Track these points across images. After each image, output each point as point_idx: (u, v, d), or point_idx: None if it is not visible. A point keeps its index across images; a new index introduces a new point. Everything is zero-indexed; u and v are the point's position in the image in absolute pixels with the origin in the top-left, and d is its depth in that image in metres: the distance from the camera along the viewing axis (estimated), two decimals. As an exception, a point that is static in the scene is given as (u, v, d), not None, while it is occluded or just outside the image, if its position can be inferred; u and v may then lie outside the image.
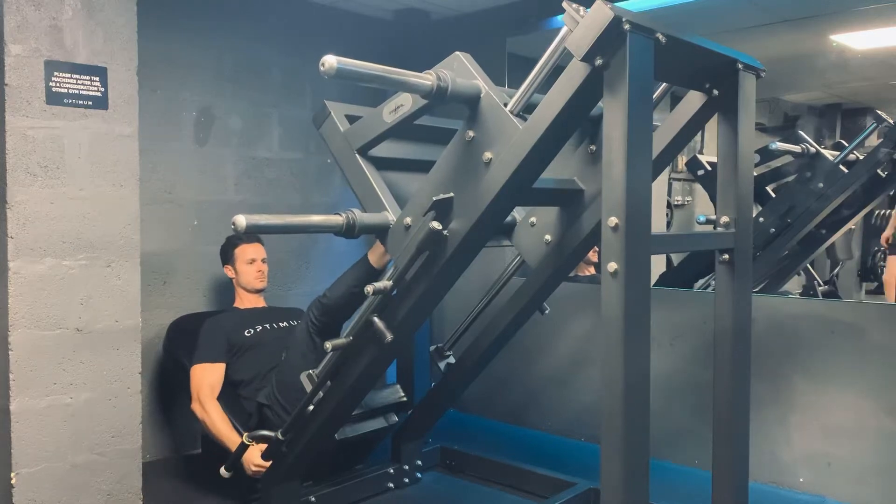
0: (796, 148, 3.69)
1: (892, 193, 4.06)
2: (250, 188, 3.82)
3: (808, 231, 3.73)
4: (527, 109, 1.90)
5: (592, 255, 3.92)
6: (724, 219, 2.03)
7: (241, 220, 1.87)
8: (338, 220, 2.11)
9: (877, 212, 4.50)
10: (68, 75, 2.43)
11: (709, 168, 3.95)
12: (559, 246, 2.28)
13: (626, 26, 1.53)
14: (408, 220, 2.12)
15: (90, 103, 2.49)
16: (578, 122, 1.94)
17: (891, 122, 3.67)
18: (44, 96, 2.39)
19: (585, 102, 1.74)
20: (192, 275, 3.62)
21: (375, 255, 2.66)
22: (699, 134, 4.92)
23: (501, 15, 3.93)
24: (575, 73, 1.69)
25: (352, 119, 2.33)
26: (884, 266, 4.51)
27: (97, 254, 2.54)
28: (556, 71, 1.80)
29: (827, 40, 4.21)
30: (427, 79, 1.90)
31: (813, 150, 3.67)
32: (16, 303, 2.38)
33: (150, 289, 3.38)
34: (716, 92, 2.01)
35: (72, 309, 2.49)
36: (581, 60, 1.62)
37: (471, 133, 1.96)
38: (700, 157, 4.09)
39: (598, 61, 1.59)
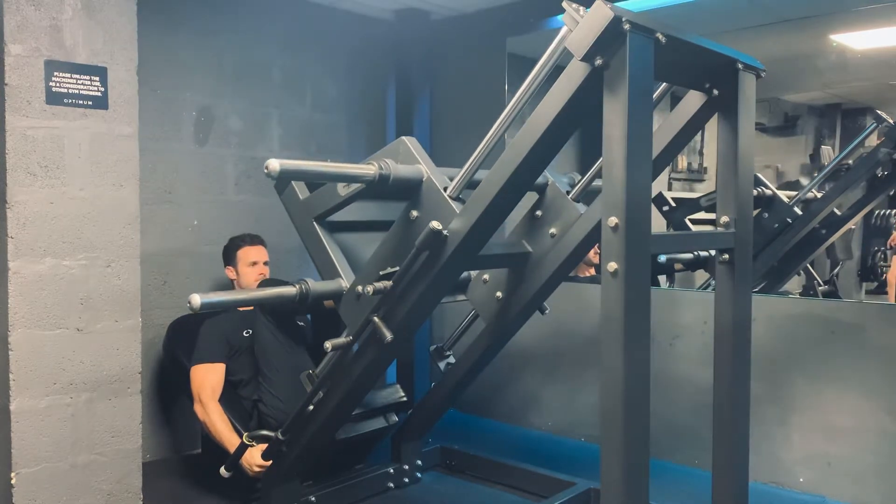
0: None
1: (892, 193, 4.06)
2: (250, 188, 3.82)
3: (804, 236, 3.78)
4: (470, 186, 2.07)
5: (593, 256, 3.92)
6: (724, 219, 2.02)
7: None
8: (291, 290, 2.31)
9: (877, 212, 4.50)
10: (68, 75, 2.43)
11: (673, 205, 4.09)
12: (509, 301, 2.53)
13: (626, 26, 1.53)
14: (359, 288, 2.26)
15: (90, 103, 2.49)
16: (573, 128, 1.95)
17: (891, 122, 3.67)
18: (44, 96, 2.39)
19: (585, 103, 1.74)
20: (192, 275, 3.62)
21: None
22: (699, 134, 4.93)
23: (501, 15, 3.93)
24: (575, 73, 1.69)
25: (312, 187, 2.47)
26: (884, 266, 4.51)
27: (97, 254, 2.54)
28: (557, 71, 1.81)
29: (827, 40, 4.21)
30: (370, 169, 2.07)
31: (769, 192, 3.75)
32: (16, 303, 2.38)
33: (150, 289, 3.39)
34: (716, 92, 2.01)
35: (72, 309, 2.49)
36: (581, 60, 1.62)
37: (415, 213, 2.15)
38: (666, 193, 4.18)
39: (598, 61, 1.59)
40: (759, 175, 3.87)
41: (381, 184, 2.08)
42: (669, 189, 5.49)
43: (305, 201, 2.45)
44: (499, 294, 2.55)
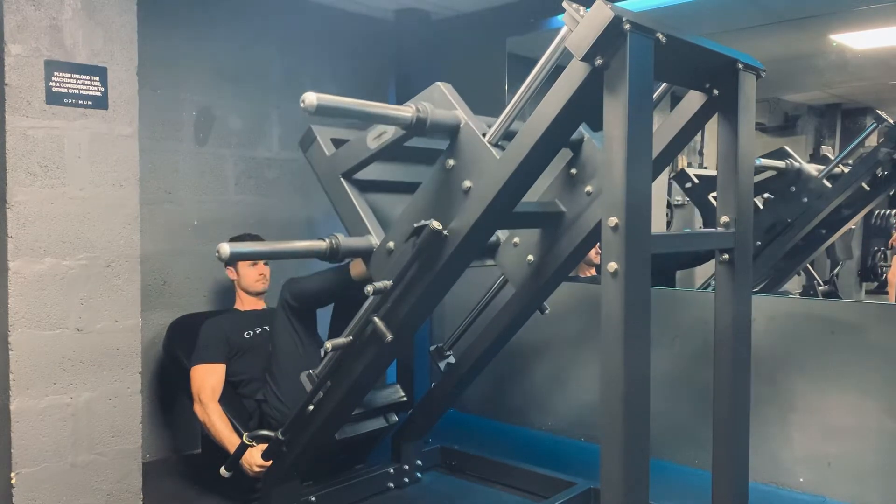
0: (780, 164, 3.73)
1: (892, 193, 4.06)
2: (250, 188, 3.82)
3: (799, 240, 3.78)
4: (506, 136, 1.96)
5: (594, 257, 3.92)
6: (724, 219, 2.03)
7: (225, 249, 1.93)
8: (321, 245, 2.19)
9: (877, 212, 4.50)
10: (68, 75, 2.43)
11: (696, 181, 4.06)
12: (541, 265, 2.38)
13: (627, 26, 1.53)
14: (390, 244, 2.19)
15: (90, 103, 2.49)
16: (573, 128, 1.95)
17: (891, 122, 3.67)
18: (44, 96, 2.39)
19: (585, 102, 1.74)
20: (192, 275, 3.62)
21: (357, 270, 2.70)
22: (699, 134, 4.93)
23: (501, 15, 3.93)
24: (575, 73, 1.69)
25: (338, 143, 2.38)
26: (884, 266, 4.51)
27: (97, 254, 2.54)
28: (557, 71, 1.81)
29: (827, 40, 4.21)
30: (407, 111, 1.95)
31: (797, 165, 3.71)
32: (16, 303, 2.38)
33: (150, 289, 3.39)
34: (716, 92, 2.01)
35: (72, 309, 2.49)
36: (581, 60, 1.62)
37: (451, 161, 2.03)
38: (687, 170, 4.15)
39: (598, 61, 1.59)
40: (787, 147, 3.87)
41: (418, 128, 1.96)
42: (669, 189, 5.49)
43: (332, 157, 2.35)
44: (530, 257, 2.39)
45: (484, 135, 1.99)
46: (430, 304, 2.35)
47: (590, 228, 2.27)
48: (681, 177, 4.13)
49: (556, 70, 1.81)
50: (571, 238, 2.30)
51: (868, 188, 3.72)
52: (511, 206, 2.05)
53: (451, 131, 2.02)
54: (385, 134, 2.16)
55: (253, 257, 2.21)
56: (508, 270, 2.50)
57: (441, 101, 2.04)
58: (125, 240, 2.60)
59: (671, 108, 2.29)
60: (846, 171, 3.75)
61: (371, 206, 2.35)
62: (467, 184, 2.00)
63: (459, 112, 2.03)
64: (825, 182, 3.69)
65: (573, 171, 2.31)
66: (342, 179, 2.33)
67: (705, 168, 5.11)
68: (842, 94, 5.26)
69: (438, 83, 2.10)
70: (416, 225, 2.05)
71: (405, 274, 2.14)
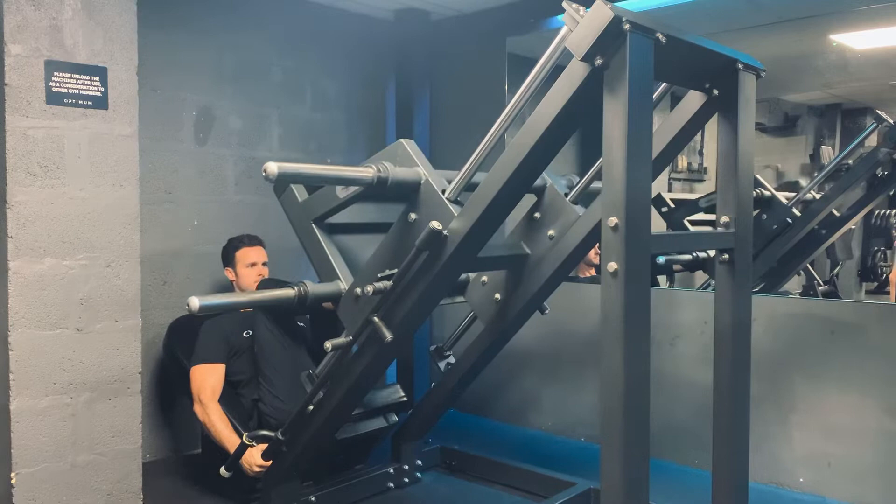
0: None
1: (892, 193, 4.06)
2: (250, 188, 3.82)
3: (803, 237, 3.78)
4: (468, 188, 2.09)
5: (594, 257, 3.92)
6: (724, 219, 2.02)
7: (195, 303, 2.09)
8: (290, 293, 2.31)
9: (877, 212, 4.50)
10: (68, 75, 2.43)
11: (672, 206, 4.06)
12: (508, 303, 2.53)
13: (626, 26, 1.53)
14: (357, 290, 2.26)
15: (90, 103, 2.49)
16: (573, 128, 1.95)
17: (891, 122, 3.67)
18: (44, 96, 2.39)
19: (585, 102, 1.74)
20: (192, 275, 3.61)
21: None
22: (699, 134, 4.93)
23: (501, 15, 3.93)
24: (575, 73, 1.69)
25: (311, 189, 2.46)
26: (884, 266, 4.51)
27: (97, 254, 2.54)
28: (557, 71, 1.81)
29: (827, 40, 4.21)
30: (367, 173, 2.08)
31: (767, 193, 3.74)
32: (16, 303, 2.38)
33: (150, 289, 3.39)
34: (716, 92, 2.01)
35: (72, 309, 2.49)
36: (581, 60, 1.62)
37: (413, 215, 2.14)
38: (664, 195, 4.17)
39: (598, 61, 1.59)
40: (758, 176, 3.88)
41: (380, 186, 2.09)
42: (670, 189, 5.49)
43: (304, 203, 2.45)
44: (497, 296, 2.56)
45: (443, 191, 2.11)
46: (432, 301, 2.38)
47: (553, 269, 2.41)
48: (657, 202, 4.10)
49: (556, 70, 1.81)
50: (537, 278, 2.45)
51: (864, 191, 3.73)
52: (475, 252, 2.16)
53: (413, 188, 2.14)
54: (351, 188, 2.27)
55: (224, 309, 2.35)
56: (477, 307, 2.65)
57: (404, 158, 2.17)
58: (125, 240, 2.60)
59: (671, 108, 2.29)
60: (818, 197, 3.80)
61: (343, 248, 2.46)
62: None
63: (420, 169, 2.14)
64: (794, 210, 3.73)
65: (536, 214, 2.46)
66: (313, 225, 2.42)
67: (703, 180, 5.12)
68: (842, 94, 5.26)
69: (402, 140, 2.23)
70: (379, 275, 2.18)
71: (404, 276, 2.15)
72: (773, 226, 3.72)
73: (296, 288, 2.31)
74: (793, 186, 4.51)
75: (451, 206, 2.08)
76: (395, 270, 2.15)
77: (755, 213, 3.73)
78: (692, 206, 4.13)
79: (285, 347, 2.97)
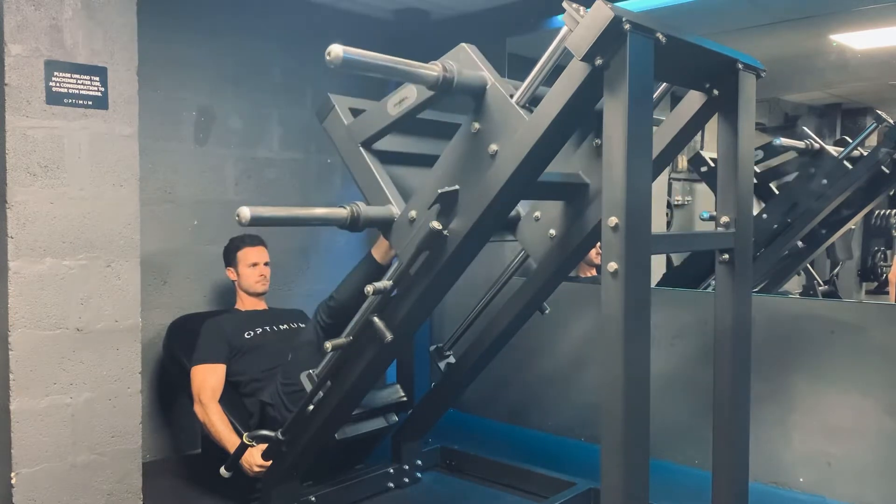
0: (800, 144, 3.70)
1: (892, 193, 4.06)
2: (250, 188, 3.82)
3: (810, 229, 3.75)
4: (533, 101, 1.89)
5: (594, 257, 3.92)
6: (724, 219, 2.02)
7: (246, 212, 1.89)
8: (342, 212, 2.10)
9: (877, 212, 4.50)
10: (68, 75, 2.43)
11: (712, 165, 3.95)
12: (563, 240, 2.26)
13: (627, 26, 1.53)
14: (412, 213, 2.11)
15: (90, 103, 2.49)
16: (581, 119, 1.93)
17: (891, 122, 3.67)
18: (44, 96, 2.39)
19: (586, 101, 1.74)
20: (192, 275, 3.62)
21: (380, 252, 2.64)
22: (699, 133, 4.93)
23: (501, 15, 3.92)
24: (575, 73, 1.69)
25: (356, 112, 2.30)
26: (884, 266, 4.52)
27: (97, 254, 2.54)
28: (557, 71, 1.80)
29: (827, 40, 4.21)
30: (433, 69, 1.88)
31: (817, 146, 3.68)
32: (16, 303, 2.38)
33: (150, 289, 3.38)
34: (716, 92, 2.01)
35: (72, 309, 2.49)
36: (581, 60, 1.62)
37: (476, 125, 1.95)
38: (703, 153, 4.09)
39: (599, 61, 1.59)
40: (806, 129, 3.84)
41: (444, 87, 1.88)
42: (670, 189, 5.50)
43: (351, 125, 2.28)
44: (552, 232, 2.27)
45: (511, 96, 1.91)
46: (441, 289, 2.28)
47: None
48: (696, 160, 4.04)
49: (557, 70, 1.81)
50: (595, 211, 2.16)
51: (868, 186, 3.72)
52: (537, 173, 1.96)
53: (478, 93, 1.94)
54: (407, 100, 2.08)
55: (274, 223, 2.18)
56: (529, 245, 2.36)
57: (467, 62, 1.95)
58: (125, 240, 2.60)
59: (671, 108, 2.29)
60: (865, 154, 3.70)
61: (390, 178, 2.27)
62: (494, 147, 1.91)
63: (486, 73, 1.94)
64: (845, 163, 3.64)
65: (597, 141, 2.17)
66: (361, 149, 2.24)
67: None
68: (842, 94, 5.27)
69: (464, 44, 2.00)
70: (439, 191, 1.97)
71: (409, 268, 2.11)
72: (822, 180, 3.67)
73: (348, 207, 2.13)
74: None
75: (522, 112, 1.88)
76: (456, 188, 1.97)
77: (805, 170, 3.71)
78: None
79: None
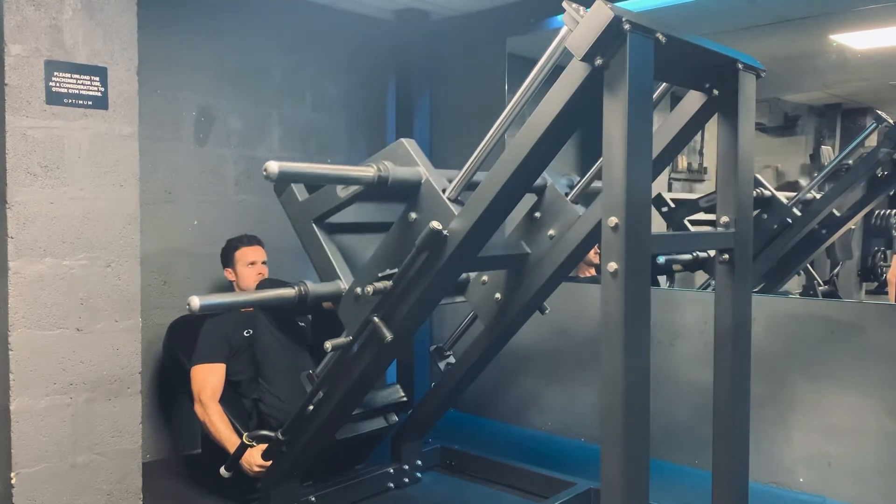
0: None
1: (892, 193, 4.06)
2: (250, 188, 3.82)
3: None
4: (469, 187, 2.08)
5: (594, 257, 3.92)
6: (724, 219, 2.03)
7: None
8: (290, 292, 2.32)
9: (877, 212, 4.49)
10: (68, 75, 2.43)
11: (672, 206, 4.04)
12: (509, 303, 2.53)
13: (626, 26, 1.53)
14: (357, 290, 2.26)
15: (90, 103, 2.49)
16: (573, 128, 1.96)
17: (891, 122, 3.66)
18: (44, 96, 2.39)
19: (585, 102, 1.74)
20: (192, 275, 3.62)
21: None
22: (699, 134, 4.93)
23: (501, 15, 3.92)
24: (575, 73, 1.69)
25: (311, 189, 2.47)
26: (884, 266, 4.51)
27: (97, 254, 2.54)
28: (557, 71, 1.81)
29: (827, 40, 4.21)
30: (368, 171, 2.07)
31: (768, 193, 3.73)
32: (16, 303, 2.38)
33: (150, 289, 3.39)
34: (716, 92, 2.01)
35: (72, 309, 2.49)
36: (581, 60, 1.62)
37: (413, 215, 2.14)
38: (664, 194, 4.14)
39: (598, 61, 1.59)
40: (758, 176, 3.86)
41: (380, 186, 2.08)
42: (670, 189, 5.49)
43: (304, 203, 2.45)
44: (498, 295, 2.55)
45: (444, 190, 2.10)
46: (437, 296, 2.39)
47: (553, 269, 2.40)
48: (657, 201, 4.07)
49: (556, 70, 1.82)
50: (537, 278, 2.44)
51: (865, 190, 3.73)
52: (475, 252, 2.16)
53: (413, 187, 2.13)
54: (352, 187, 2.26)
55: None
56: (477, 307, 2.65)
57: (404, 158, 2.16)
58: (125, 240, 2.60)
59: (671, 108, 2.29)
60: (818, 196, 3.78)
61: (343, 248, 2.45)
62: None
63: (421, 168, 2.14)
64: (795, 210, 3.71)
65: (537, 214, 2.45)
66: (314, 225, 2.42)
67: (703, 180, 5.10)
68: (842, 94, 5.26)
69: (402, 140, 2.22)
70: (380, 274, 2.17)
71: (404, 276, 2.15)
72: (773, 225, 3.71)
73: (296, 287, 2.32)
74: (793, 186, 4.51)
75: (452, 206, 2.07)
76: (396, 270, 2.15)
77: (755, 213, 3.73)
78: (692, 205, 4.12)
79: (285, 347, 2.97)
